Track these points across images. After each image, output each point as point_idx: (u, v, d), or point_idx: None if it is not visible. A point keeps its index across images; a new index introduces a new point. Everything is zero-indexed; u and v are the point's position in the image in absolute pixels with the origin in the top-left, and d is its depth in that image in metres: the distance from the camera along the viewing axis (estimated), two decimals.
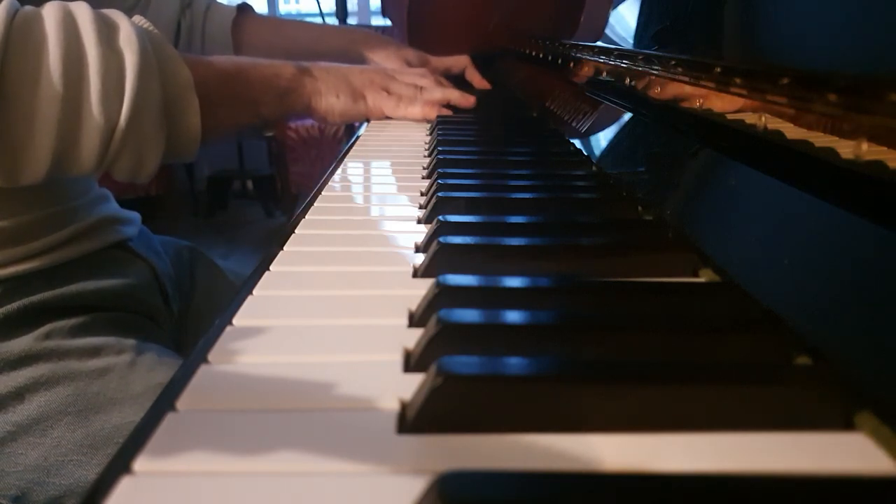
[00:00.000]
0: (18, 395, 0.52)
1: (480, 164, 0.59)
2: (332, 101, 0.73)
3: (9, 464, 0.51)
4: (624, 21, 0.57)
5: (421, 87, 0.86)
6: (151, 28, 0.55)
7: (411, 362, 0.25)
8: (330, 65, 0.76)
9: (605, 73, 0.61)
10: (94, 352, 0.55)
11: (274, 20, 0.97)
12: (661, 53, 0.44)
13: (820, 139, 0.28)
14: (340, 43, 0.98)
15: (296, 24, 0.97)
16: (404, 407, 0.22)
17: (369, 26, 2.99)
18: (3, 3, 0.49)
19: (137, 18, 0.54)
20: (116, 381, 0.54)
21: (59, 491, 0.50)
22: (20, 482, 0.50)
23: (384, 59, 0.98)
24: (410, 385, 0.23)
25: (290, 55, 0.81)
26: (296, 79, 0.70)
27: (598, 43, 0.61)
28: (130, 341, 0.57)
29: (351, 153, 0.66)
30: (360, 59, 0.97)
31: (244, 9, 0.90)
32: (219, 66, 0.63)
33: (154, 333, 0.63)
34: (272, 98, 0.68)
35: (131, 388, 0.53)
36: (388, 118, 0.82)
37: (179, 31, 0.88)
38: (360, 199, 0.49)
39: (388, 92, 0.81)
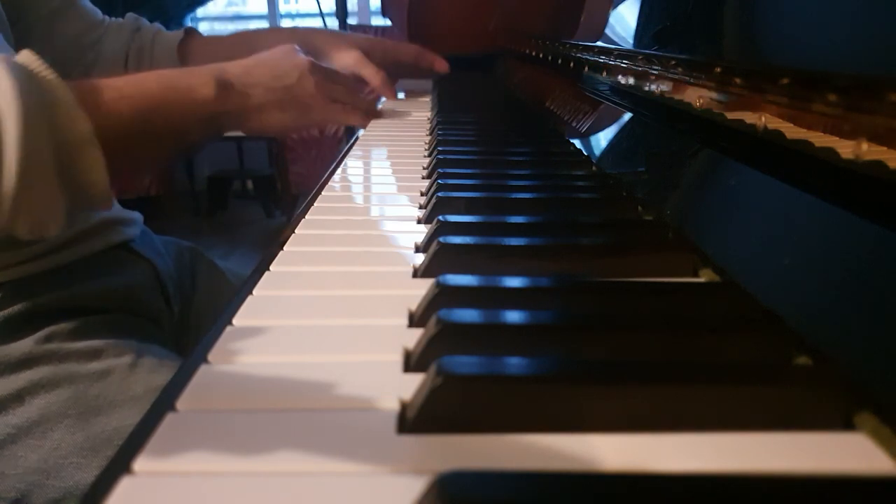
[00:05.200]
0: (18, 397, 0.52)
1: (480, 164, 0.59)
2: (277, 116, 0.66)
3: (8, 466, 0.51)
4: (624, 21, 0.57)
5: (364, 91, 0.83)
6: (42, 70, 0.47)
7: (411, 362, 0.25)
8: (253, 68, 0.65)
9: (605, 73, 0.61)
10: (95, 354, 0.55)
11: (218, 37, 0.91)
12: (661, 53, 0.44)
13: (820, 139, 0.28)
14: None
15: (240, 36, 0.89)
16: (404, 407, 0.22)
17: (369, 26, 2.98)
18: None
19: (26, 57, 0.46)
20: (117, 383, 0.54)
21: (59, 493, 0.50)
22: (20, 484, 0.50)
23: (339, 54, 0.92)
24: (410, 385, 0.23)
25: None
26: (219, 100, 0.61)
27: (598, 43, 0.61)
28: (131, 343, 0.57)
29: (351, 153, 0.66)
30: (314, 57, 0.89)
31: (190, 31, 0.87)
32: (128, 101, 0.54)
33: (155, 335, 0.63)
34: (196, 125, 0.60)
35: (131, 390, 0.53)
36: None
37: (129, 56, 0.84)
38: (360, 199, 0.49)
39: (334, 98, 0.74)
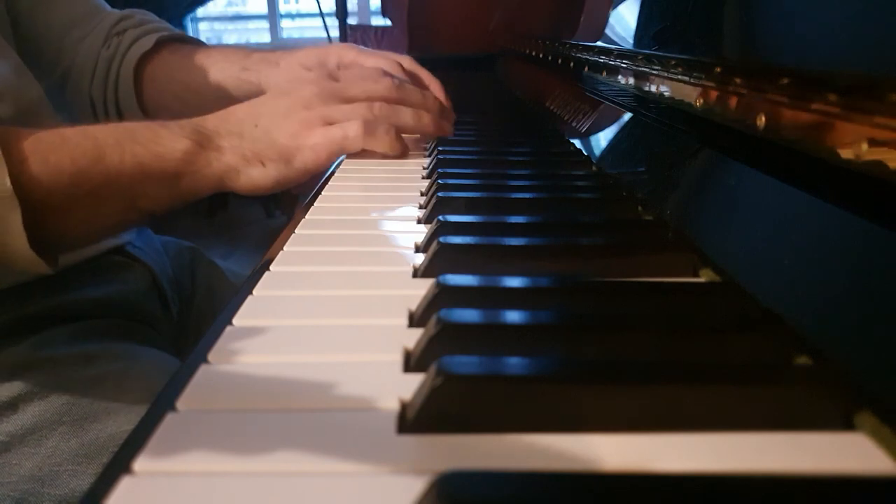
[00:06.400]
0: (12, 404, 0.51)
1: (480, 164, 0.59)
2: (254, 174, 0.50)
3: (3, 474, 0.50)
4: (624, 21, 0.57)
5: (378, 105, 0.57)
6: None
7: (411, 362, 0.25)
8: (245, 113, 0.53)
9: (605, 73, 0.61)
10: (89, 360, 0.54)
11: (187, 52, 0.73)
12: (661, 53, 0.44)
13: (820, 139, 0.28)
14: (231, 71, 0.71)
15: (204, 55, 0.72)
16: (404, 407, 0.22)
17: (369, 26, 2.98)
18: None
19: None
20: (112, 389, 0.53)
21: (54, 501, 0.50)
22: (15, 493, 0.50)
23: (373, 57, 0.71)
24: (410, 385, 0.23)
25: (194, 93, 0.70)
26: (190, 157, 0.48)
27: (598, 43, 0.61)
28: (126, 348, 0.56)
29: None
30: (257, 91, 0.70)
31: (166, 41, 0.73)
32: (69, 153, 0.44)
33: (151, 339, 0.62)
34: (155, 188, 0.48)
35: (127, 396, 0.53)
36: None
37: (96, 68, 0.73)
38: (360, 199, 0.49)
39: (332, 122, 0.54)
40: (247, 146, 0.50)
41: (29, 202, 0.42)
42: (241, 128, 0.51)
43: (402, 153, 0.59)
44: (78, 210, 0.45)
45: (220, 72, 0.71)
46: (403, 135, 0.60)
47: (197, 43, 0.77)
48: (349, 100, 0.56)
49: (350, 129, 0.53)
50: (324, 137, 0.52)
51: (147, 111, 0.73)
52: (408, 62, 0.72)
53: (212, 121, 0.51)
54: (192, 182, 0.49)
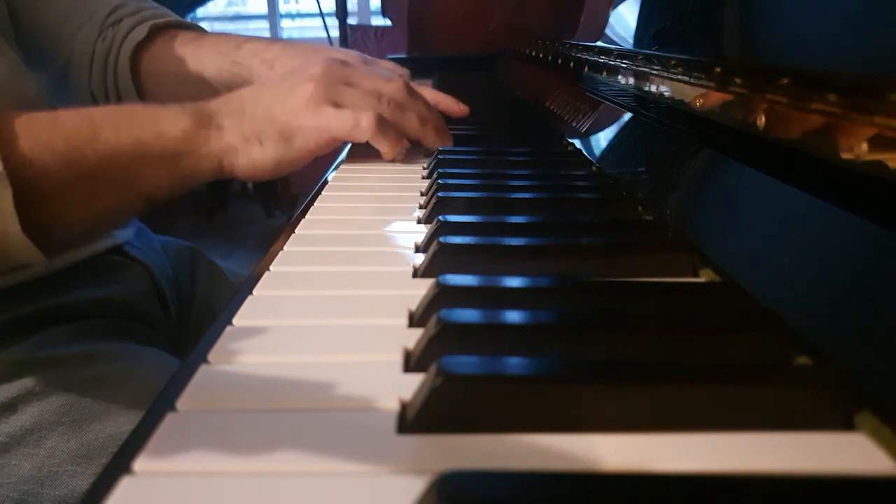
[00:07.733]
0: (11, 405, 0.51)
1: (480, 164, 0.59)
2: (254, 154, 0.49)
3: (2, 475, 0.50)
4: (624, 21, 0.57)
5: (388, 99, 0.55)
6: None
7: (411, 362, 0.25)
8: (250, 93, 0.52)
9: (605, 73, 0.61)
10: (89, 360, 0.54)
11: (181, 41, 0.70)
12: (661, 53, 0.44)
13: (820, 139, 0.28)
14: (222, 64, 0.69)
15: (196, 45, 0.70)
16: (404, 407, 0.22)
17: (369, 26, 2.98)
18: None
19: None
20: (111, 389, 0.52)
21: (54, 502, 0.49)
22: (14, 494, 0.49)
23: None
24: (410, 385, 0.23)
25: (190, 86, 0.68)
26: (190, 135, 0.47)
27: (598, 43, 0.61)
28: (126, 348, 0.56)
29: (350, 153, 0.66)
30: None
31: (161, 28, 0.71)
32: (63, 132, 0.43)
33: (151, 339, 0.62)
34: (154, 169, 0.46)
35: (126, 396, 0.52)
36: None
37: (94, 58, 0.71)
38: (360, 199, 0.49)
39: (339, 105, 0.51)
40: (247, 124, 0.49)
41: (20, 182, 0.40)
42: (243, 107, 0.50)
43: (399, 159, 0.59)
44: (73, 192, 0.44)
45: (211, 64, 0.70)
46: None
47: (191, 28, 0.75)
48: (356, 86, 0.53)
49: (364, 119, 0.51)
50: (331, 120, 0.50)
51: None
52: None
53: (215, 102, 0.50)
54: (192, 163, 0.47)
